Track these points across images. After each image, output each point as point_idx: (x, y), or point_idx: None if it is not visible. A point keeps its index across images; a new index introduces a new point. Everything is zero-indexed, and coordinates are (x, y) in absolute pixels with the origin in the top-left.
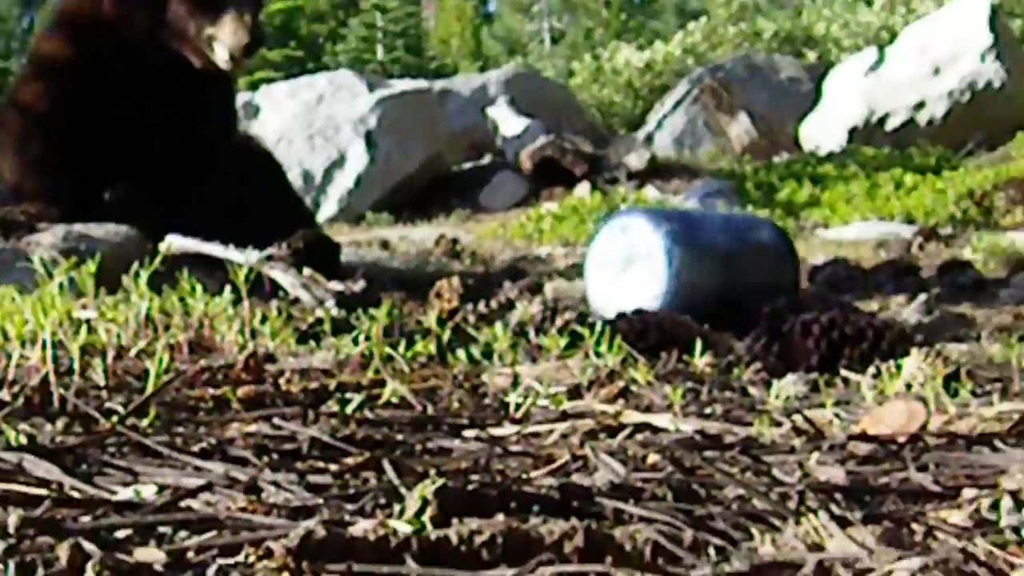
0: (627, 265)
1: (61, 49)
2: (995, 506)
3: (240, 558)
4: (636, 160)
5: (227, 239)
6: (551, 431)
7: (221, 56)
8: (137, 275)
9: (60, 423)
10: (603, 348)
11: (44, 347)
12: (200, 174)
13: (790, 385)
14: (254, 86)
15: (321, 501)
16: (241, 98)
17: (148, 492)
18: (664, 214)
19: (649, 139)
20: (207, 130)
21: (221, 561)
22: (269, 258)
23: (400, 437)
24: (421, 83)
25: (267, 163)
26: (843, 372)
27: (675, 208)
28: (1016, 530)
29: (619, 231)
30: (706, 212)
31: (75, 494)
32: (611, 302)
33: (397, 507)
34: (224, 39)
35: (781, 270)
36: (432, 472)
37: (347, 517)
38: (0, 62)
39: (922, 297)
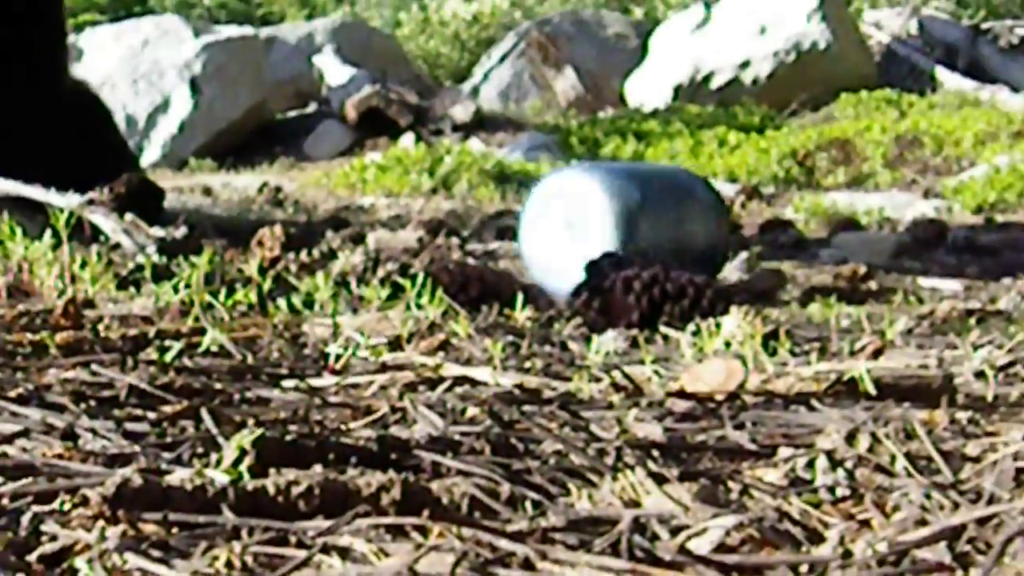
0: (569, 228)
1: None
2: (810, 465)
3: (56, 505)
4: (462, 112)
5: (52, 182)
6: (371, 383)
7: None
8: None
9: None
10: (424, 300)
11: None
12: (22, 114)
13: (610, 341)
14: (79, 28)
15: (138, 449)
16: None
17: None
18: (604, 170)
19: (475, 91)
20: (28, 69)
21: (36, 508)
22: (91, 202)
23: (219, 386)
24: (247, 30)
25: (96, 107)
26: (663, 329)
27: (599, 163)
28: (831, 489)
29: (556, 193)
30: (635, 165)
31: None
32: (552, 267)
33: (214, 456)
34: None
35: (719, 227)
36: (250, 422)
37: (164, 466)
38: None
39: (743, 255)
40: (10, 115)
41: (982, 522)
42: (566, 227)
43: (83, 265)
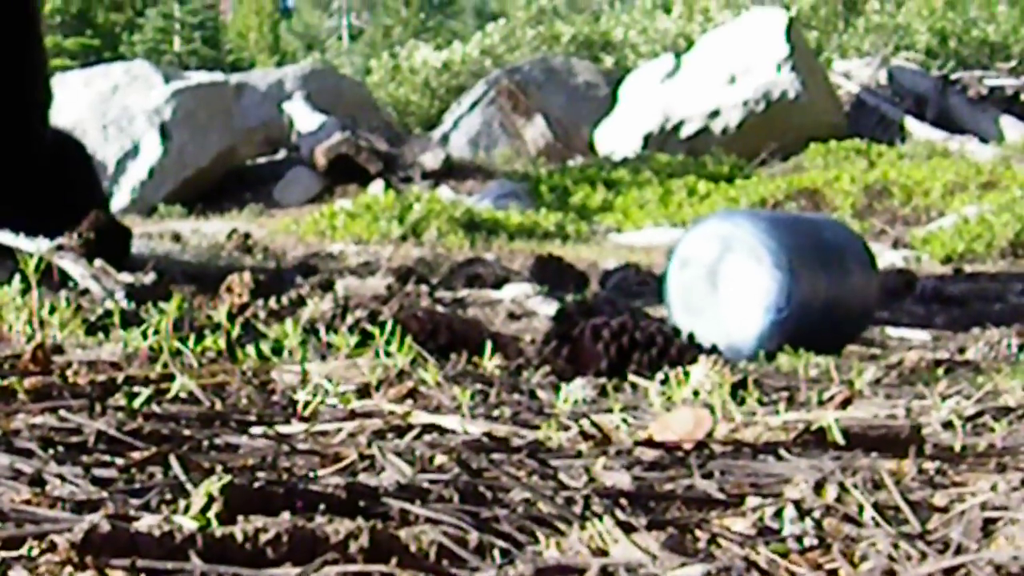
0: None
1: None
2: (778, 514)
3: (23, 551)
4: (431, 160)
5: (33, 227)
6: (339, 430)
7: None
8: None
9: None
10: (393, 348)
11: None
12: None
13: (579, 389)
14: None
15: (106, 495)
16: None
17: None
18: (768, 221)
19: (445, 139)
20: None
21: (3, 554)
22: (60, 248)
23: (187, 432)
24: (217, 76)
25: (77, 155)
26: (632, 377)
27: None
28: (799, 539)
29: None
30: (787, 215)
31: None
32: (703, 320)
33: (183, 503)
34: None
35: (868, 282)
36: (219, 469)
37: (132, 512)
38: None
39: None
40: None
41: (949, 572)
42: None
43: (52, 310)
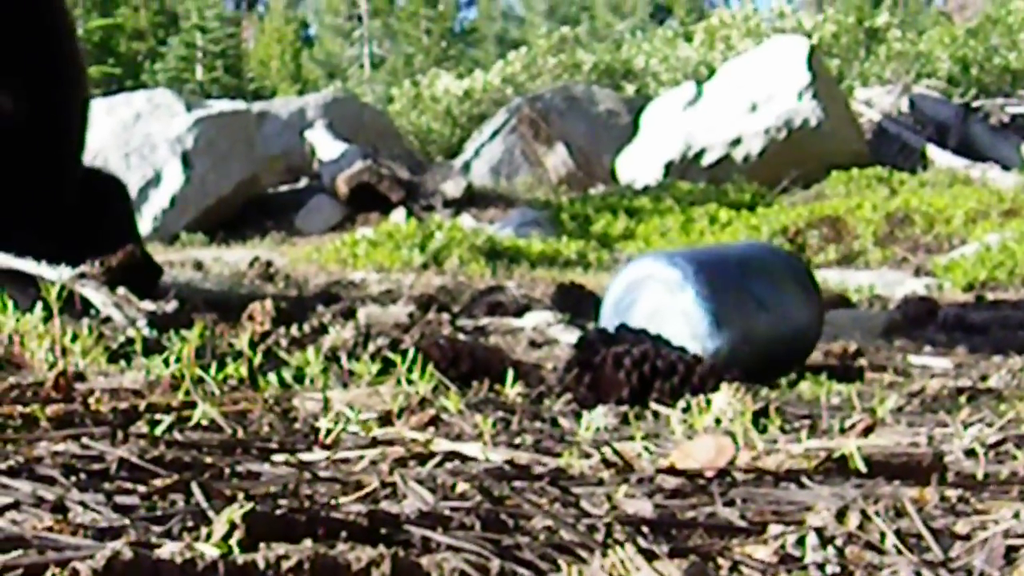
0: (649, 321)
1: None
2: (800, 542)
3: None
4: (453, 188)
5: (59, 260)
6: (361, 457)
7: None
8: None
9: None
10: (415, 375)
11: None
12: (26, 188)
13: (600, 417)
14: None
15: (128, 522)
16: None
17: None
18: (685, 258)
19: (466, 167)
20: (32, 151)
21: None
22: (82, 275)
23: (209, 460)
24: (239, 104)
25: (112, 187)
26: (653, 405)
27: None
28: (821, 567)
29: (636, 284)
30: (708, 251)
31: None
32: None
33: (205, 530)
34: None
35: (808, 305)
36: (240, 496)
37: (154, 539)
38: None
39: None
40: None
41: None
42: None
43: (74, 338)
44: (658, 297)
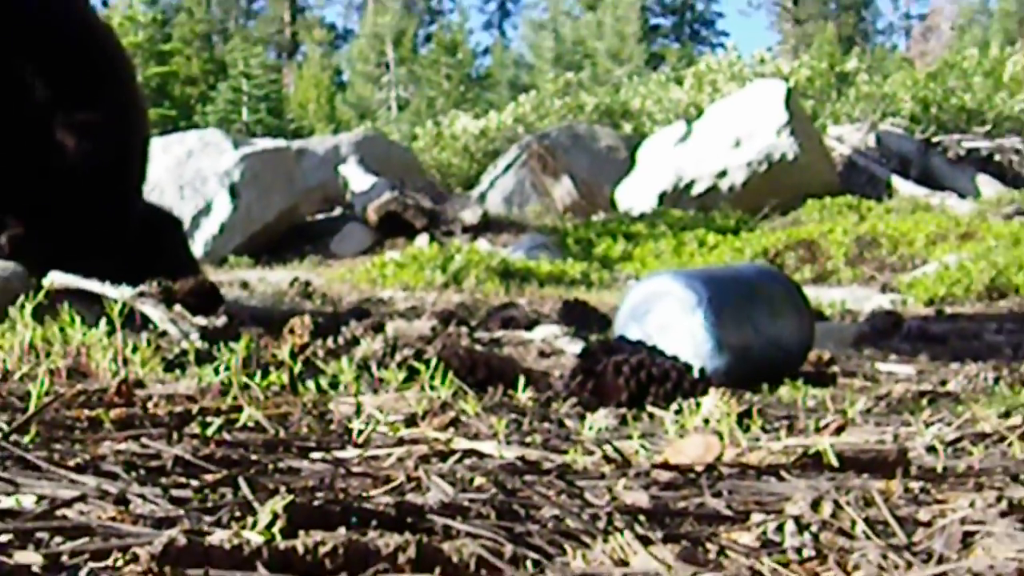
0: (659, 336)
1: None
2: (780, 529)
3: (109, 563)
4: (470, 216)
5: (125, 280)
6: (389, 455)
7: None
8: (22, 307)
9: None
10: (437, 382)
11: None
12: (94, 221)
13: (602, 418)
14: None
15: (182, 513)
16: None
17: (28, 502)
18: (701, 282)
19: (482, 197)
20: (100, 187)
21: (92, 565)
22: (141, 294)
23: (254, 457)
24: (280, 142)
25: (168, 222)
26: (649, 408)
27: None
28: (798, 551)
29: (653, 296)
30: (718, 272)
31: None
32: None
33: (250, 520)
34: None
35: (801, 321)
36: (282, 489)
37: (205, 528)
38: None
39: None
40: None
41: None
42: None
43: (134, 350)
44: (671, 313)
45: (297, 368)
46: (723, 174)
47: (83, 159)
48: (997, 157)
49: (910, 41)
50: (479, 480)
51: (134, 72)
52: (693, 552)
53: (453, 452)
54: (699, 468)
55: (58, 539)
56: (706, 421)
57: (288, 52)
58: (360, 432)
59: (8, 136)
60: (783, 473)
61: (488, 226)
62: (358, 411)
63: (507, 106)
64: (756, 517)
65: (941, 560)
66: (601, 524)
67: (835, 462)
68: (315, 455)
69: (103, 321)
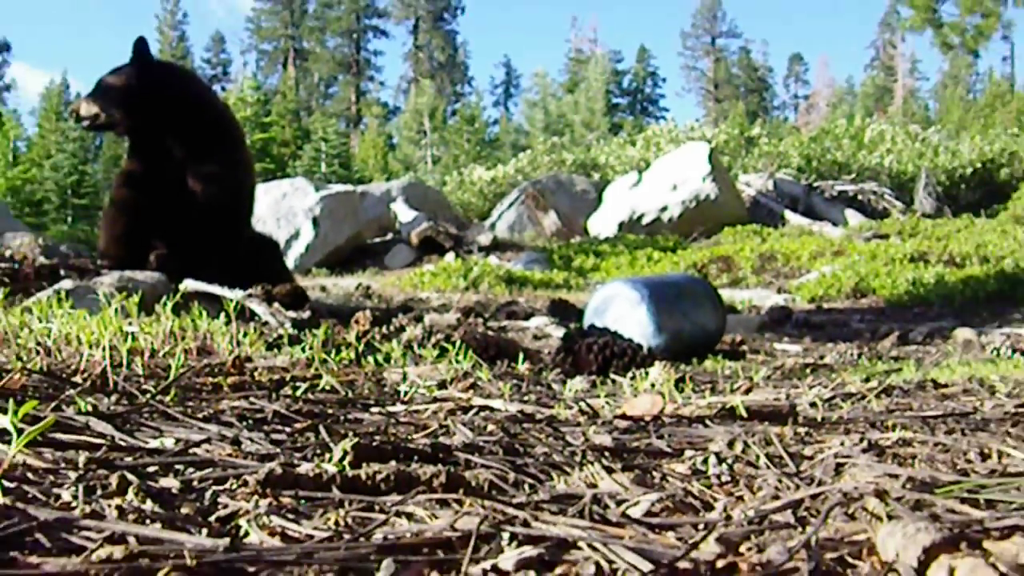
0: (615, 324)
1: (131, 167)
2: (705, 461)
3: (227, 486)
4: (484, 239)
5: (237, 285)
6: (426, 409)
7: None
8: (164, 305)
9: (113, 398)
10: (460, 357)
11: (104, 349)
12: (217, 244)
13: (578, 383)
14: None
15: (279, 451)
16: None
17: (169, 443)
18: (642, 284)
19: (492, 226)
20: (220, 219)
21: (215, 488)
22: (250, 295)
23: (330, 411)
24: (348, 187)
25: (270, 245)
26: (612, 375)
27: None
28: (718, 477)
29: (609, 298)
30: (657, 278)
31: (122, 443)
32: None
33: (328, 455)
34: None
35: (716, 313)
36: (350, 434)
37: (295, 461)
38: (81, 167)
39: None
40: (221, 254)
41: (814, 497)
42: (613, 323)
43: (244, 335)
44: (623, 308)
45: (360, 348)
46: (664, 209)
47: (208, 200)
48: (860, 197)
49: (797, 114)
50: (490, 427)
51: (243, 137)
52: (643, 477)
53: (472, 407)
54: (648, 418)
55: (191, 469)
56: (652, 385)
57: (354, 123)
58: (406, 393)
59: (156, 185)
60: (707, 422)
61: (497, 246)
62: (404, 378)
63: (510, 161)
64: (688, 453)
65: (820, 483)
66: (577, 458)
67: (744, 414)
68: (373, 410)
69: (222, 315)
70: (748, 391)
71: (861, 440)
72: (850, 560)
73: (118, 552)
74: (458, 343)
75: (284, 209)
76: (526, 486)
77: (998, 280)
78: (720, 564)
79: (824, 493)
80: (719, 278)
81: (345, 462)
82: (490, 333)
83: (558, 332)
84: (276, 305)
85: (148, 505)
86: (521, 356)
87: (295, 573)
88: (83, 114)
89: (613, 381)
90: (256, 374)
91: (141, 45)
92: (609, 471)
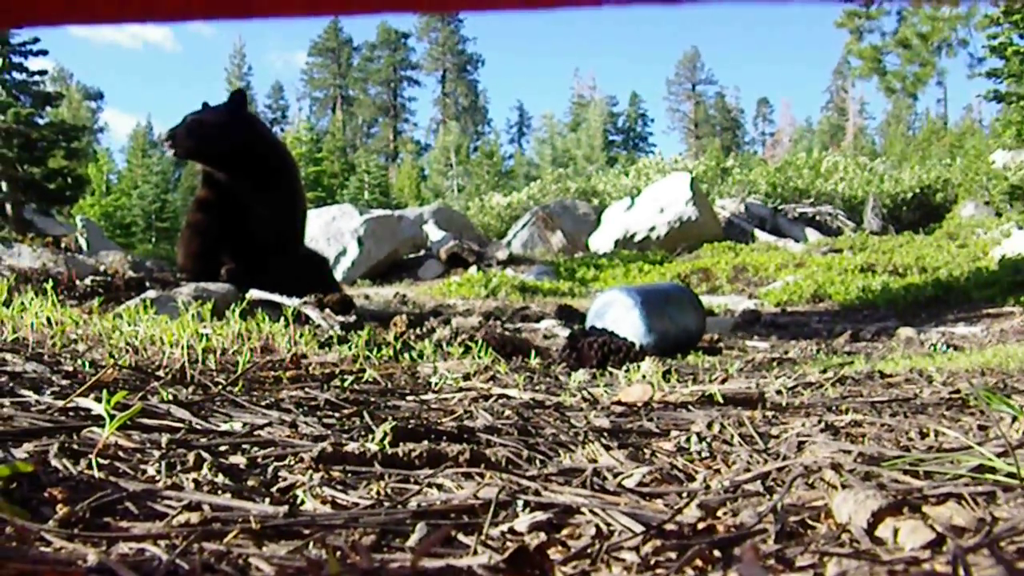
0: (613, 325)
1: (204, 194)
2: (688, 440)
3: (286, 462)
4: (501, 254)
5: (294, 295)
6: (453, 397)
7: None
8: (233, 311)
9: (190, 389)
10: (482, 354)
11: (182, 348)
12: (277, 261)
13: (581, 375)
14: None
15: (329, 432)
16: None
17: (237, 426)
18: (636, 292)
19: (508, 244)
20: (278, 230)
21: (276, 464)
22: (305, 303)
23: (372, 399)
24: (388, 212)
25: (321, 260)
26: (609, 368)
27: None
28: (699, 453)
29: (607, 303)
30: (647, 287)
31: (198, 427)
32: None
33: (371, 436)
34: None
35: (698, 316)
36: (389, 418)
37: (343, 441)
38: (163, 196)
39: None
40: (280, 269)
41: (780, 470)
42: (611, 325)
43: (301, 336)
44: (619, 312)
45: (398, 346)
46: (653, 228)
47: (269, 223)
48: (818, 218)
49: (765, 148)
50: (507, 412)
51: (298, 171)
52: (636, 454)
53: (492, 395)
54: (640, 404)
55: (255, 448)
56: (644, 376)
57: (392, 157)
58: (436, 384)
59: (226, 210)
60: (690, 407)
61: (512, 261)
62: (434, 371)
63: (523, 189)
64: (674, 433)
65: (785, 458)
66: (580, 438)
67: (721, 400)
68: (409, 398)
69: (282, 319)
70: (724, 381)
71: (819, 422)
72: (810, 522)
73: (195, 518)
74: (480, 342)
75: (333, 230)
76: (537, 461)
77: (935, 287)
78: (701, 526)
79: (788, 466)
80: (699, 286)
81: (385, 442)
82: (507, 333)
83: (564, 332)
84: (327, 311)
85: (220, 478)
86: (533, 353)
87: (343, 534)
88: (180, 145)
89: (611, 373)
90: (310, 368)
91: (240, 96)
92: (607, 448)
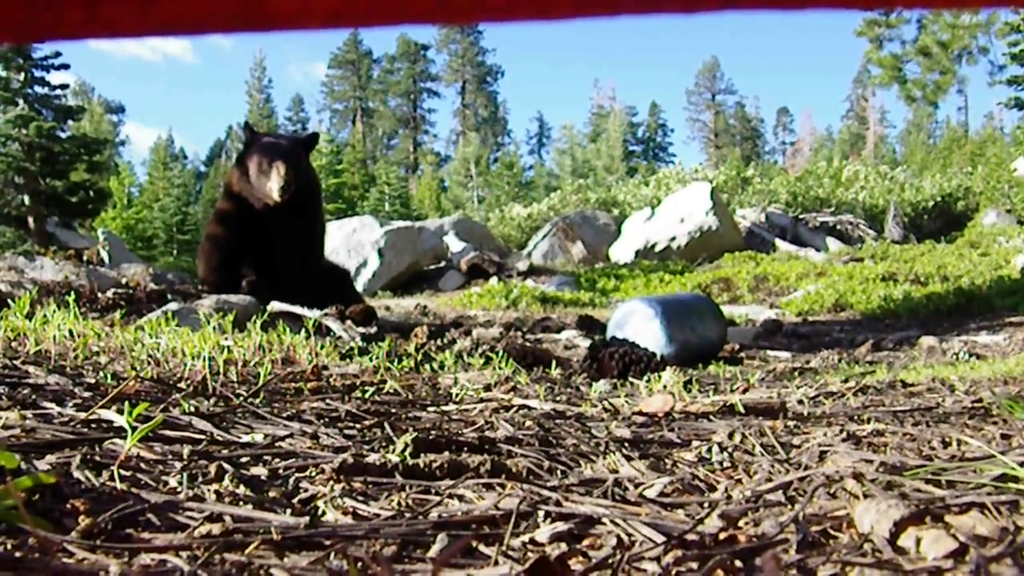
0: (633, 336)
1: (225, 207)
2: (709, 450)
3: (308, 473)
4: (522, 265)
5: (315, 307)
6: (474, 408)
7: (273, 196)
8: (254, 323)
9: (212, 400)
10: (503, 364)
11: (204, 360)
12: (298, 274)
13: (602, 385)
14: None
15: (351, 443)
16: None
17: (258, 437)
18: (657, 302)
19: (529, 254)
20: (301, 252)
21: (297, 475)
22: (326, 314)
23: (393, 410)
24: (408, 223)
25: (342, 272)
26: (630, 378)
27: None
28: (720, 463)
29: (629, 313)
30: (668, 297)
31: (219, 438)
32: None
33: (392, 447)
34: (272, 185)
35: (719, 326)
36: (410, 429)
37: (364, 452)
38: (184, 208)
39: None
40: (301, 282)
41: (801, 480)
42: (632, 335)
43: (321, 347)
44: (640, 322)
45: (419, 357)
46: (674, 239)
47: (290, 240)
48: (838, 227)
49: (785, 158)
50: (528, 423)
51: (320, 189)
52: (657, 464)
53: (512, 406)
54: (660, 415)
55: (277, 460)
56: (664, 386)
57: (412, 169)
58: (457, 395)
59: (246, 223)
60: (711, 417)
61: (533, 271)
62: (455, 382)
63: (543, 200)
64: (695, 443)
65: (806, 468)
66: (601, 448)
67: (742, 410)
68: (430, 409)
69: (303, 331)
70: (745, 391)
71: (841, 431)
72: (832, 532)
73: (216, 529)
74: (501, 352)
75: (354, 242)
76: (558, 472)
77: (956, 296)
78: (722, 536)
79: (810, 476)
80: (720, 296)
81: (406, 453)
82: (527, 344)
83: (585, 343)
84: (348, 322)
85: (241, 490)
86: (554, 363)
87: (364, 545)
88: (292, 182)
89: (631, 383)
90: (331, 380)
91: (316, 139)
92: (628, 459)
